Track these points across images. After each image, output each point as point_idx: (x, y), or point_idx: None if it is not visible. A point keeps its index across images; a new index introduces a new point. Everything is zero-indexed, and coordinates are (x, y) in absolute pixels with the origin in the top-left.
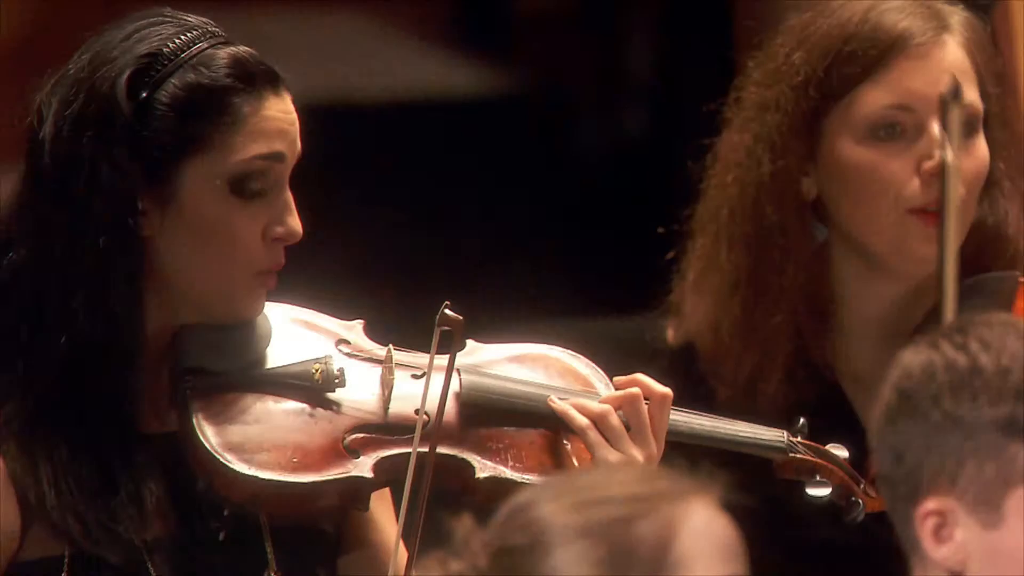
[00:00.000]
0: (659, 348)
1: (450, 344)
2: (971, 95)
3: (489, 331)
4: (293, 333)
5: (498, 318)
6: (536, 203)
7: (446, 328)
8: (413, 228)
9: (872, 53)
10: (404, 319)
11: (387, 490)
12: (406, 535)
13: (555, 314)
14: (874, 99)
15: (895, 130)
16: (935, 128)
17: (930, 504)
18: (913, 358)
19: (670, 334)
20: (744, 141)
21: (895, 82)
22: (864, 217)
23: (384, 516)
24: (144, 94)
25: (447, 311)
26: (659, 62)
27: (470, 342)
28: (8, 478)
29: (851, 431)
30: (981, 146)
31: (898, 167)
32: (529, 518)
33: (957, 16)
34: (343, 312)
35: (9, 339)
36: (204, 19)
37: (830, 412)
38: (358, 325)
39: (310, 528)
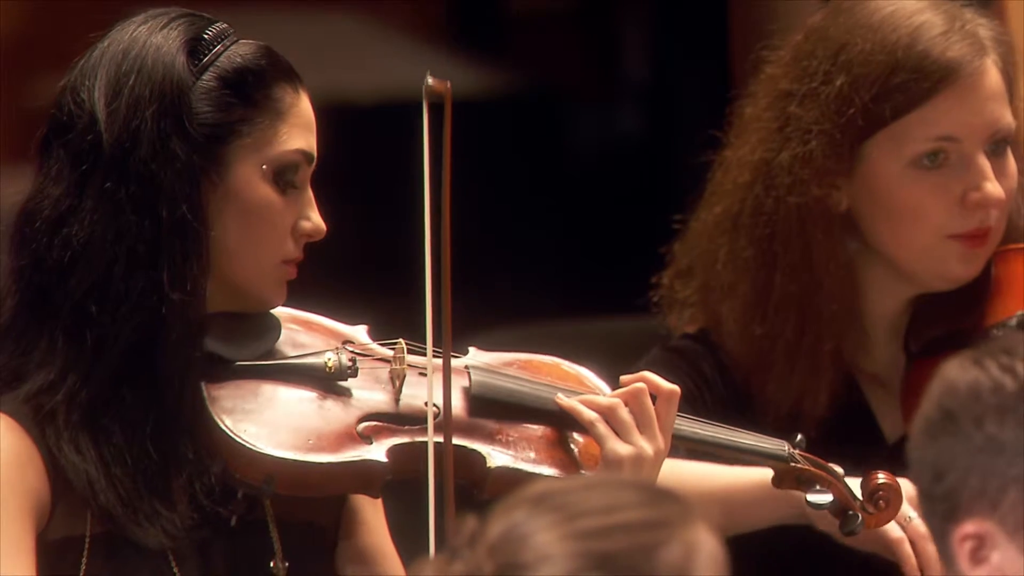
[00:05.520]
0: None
1: (442, 117)
2: (1007, 117)
3: (488, 331)
4: (300, 332)
5: (497, 318)
6: (533, 203)
7: (435, 99)
8: (411, 229)
9: (923, 85)
10: (403, 321)
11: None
12: (437, 527)
13: (554, 314)
14: (922, 130)
15: (940, 159)
16: (981, 159)
17: (969, 527)
18: (958, 375)
19: (678, 323)
20: (781, 160)
21: (944, 113)
22: (902, 240)
23: (375, 519)
24: (200, 73)
25: (431, 80)
26: (654, 61)
27: (472, 349)
28: (40, 457)
29: (869, 431)
30: (1012, 163)
31: (942, 196)
32: (535, 543)
33: (986, 30)
34: (342, 314)
35: (68, 318)
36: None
37: (849, 413)
38: (362, 329)
39: (311, 523)
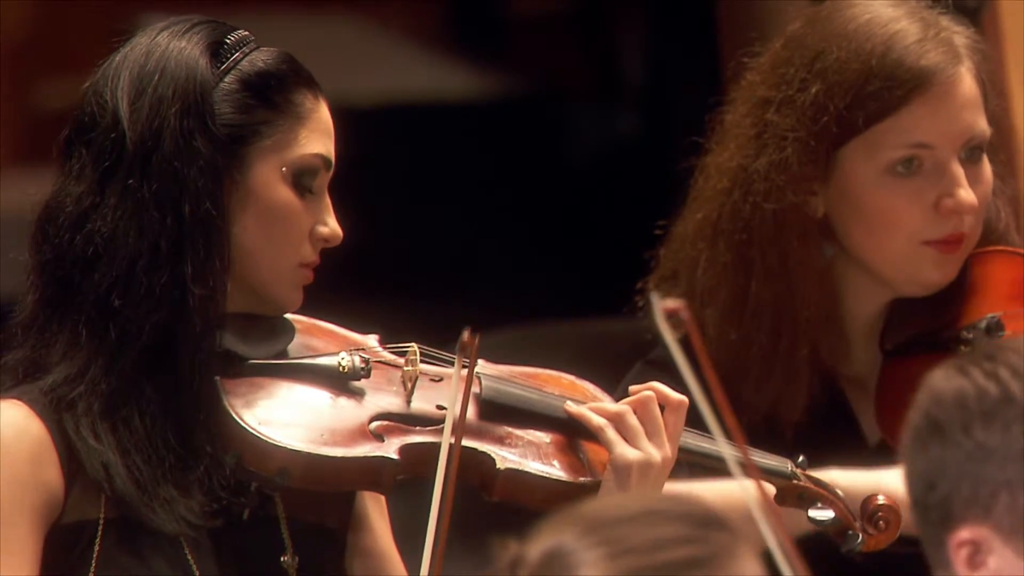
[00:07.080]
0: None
1: (472, 369)
2: (981, 124)
3: (488, 332)
4: (313, 338)
5: (496, 319)
6: (532, 205)
7: (466, 359)
8: (410, 229)
9: (897, 93)
10: (403, 322)
11: (382, 499)
12: (436, 529)
13: (552, 316)
14: (896, 137)
15: (914, 166)
16: (955, 166)
17: (964, 533)
18: (944, 384)
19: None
20: (758, 167)
21: (917, 121)
22: (877, 246)
23: (380, 522)
24: (222, 76)
25: (466, 336)
26: (652, 63)
27: (481, 361)
28: (52, 444)
29: (851, 433)
30: (987, 170)
31: (917, 203)
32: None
33: (961, 38)
34: (349, 321)
35: (92, 312)
36: None
37: (831, 415)
38: (373, 338)
39: (321, 524)
